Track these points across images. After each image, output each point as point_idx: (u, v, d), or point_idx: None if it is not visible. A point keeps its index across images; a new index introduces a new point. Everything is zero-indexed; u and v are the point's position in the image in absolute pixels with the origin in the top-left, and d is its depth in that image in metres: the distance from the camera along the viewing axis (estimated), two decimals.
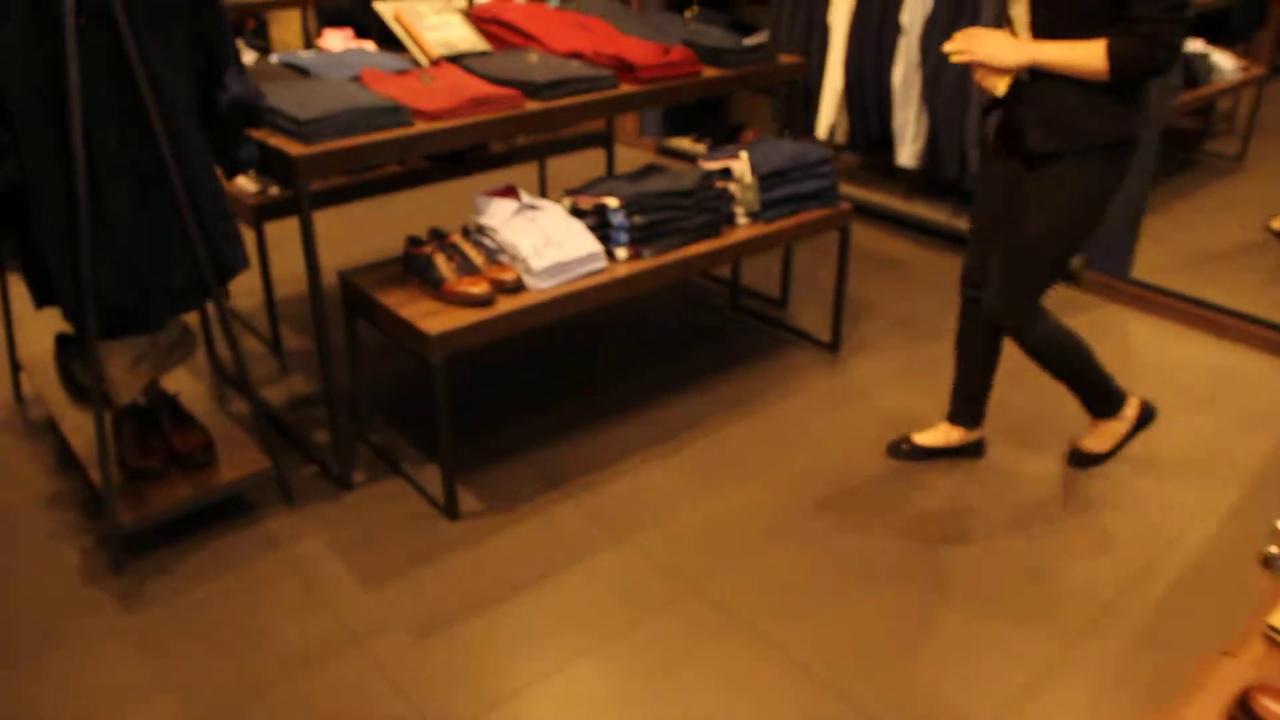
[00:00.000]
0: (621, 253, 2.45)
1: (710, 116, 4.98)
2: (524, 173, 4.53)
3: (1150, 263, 3.46)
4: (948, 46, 2.10)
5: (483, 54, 2.81)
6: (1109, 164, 2.04)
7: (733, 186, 2.68)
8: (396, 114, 2.21)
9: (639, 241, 2.47)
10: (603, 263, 2.39)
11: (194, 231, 2.01)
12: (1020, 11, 2.04)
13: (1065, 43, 1.95)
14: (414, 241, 2.35)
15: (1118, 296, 3.48)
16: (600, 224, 2.45)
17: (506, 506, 2.38)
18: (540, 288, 2.29)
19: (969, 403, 2.50)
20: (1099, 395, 2.38)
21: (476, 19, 3.04)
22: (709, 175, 2.62)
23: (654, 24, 3.14)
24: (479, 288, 2.21)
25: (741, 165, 2.67)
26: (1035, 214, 2.09)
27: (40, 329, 3.07)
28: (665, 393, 2.87)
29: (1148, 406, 2.45)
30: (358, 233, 4.00)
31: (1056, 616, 2.05)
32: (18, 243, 1.99)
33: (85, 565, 2.18)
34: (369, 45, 3.14)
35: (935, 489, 2.45)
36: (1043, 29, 2.00)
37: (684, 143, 4.95)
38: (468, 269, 2.28)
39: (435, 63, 2.70)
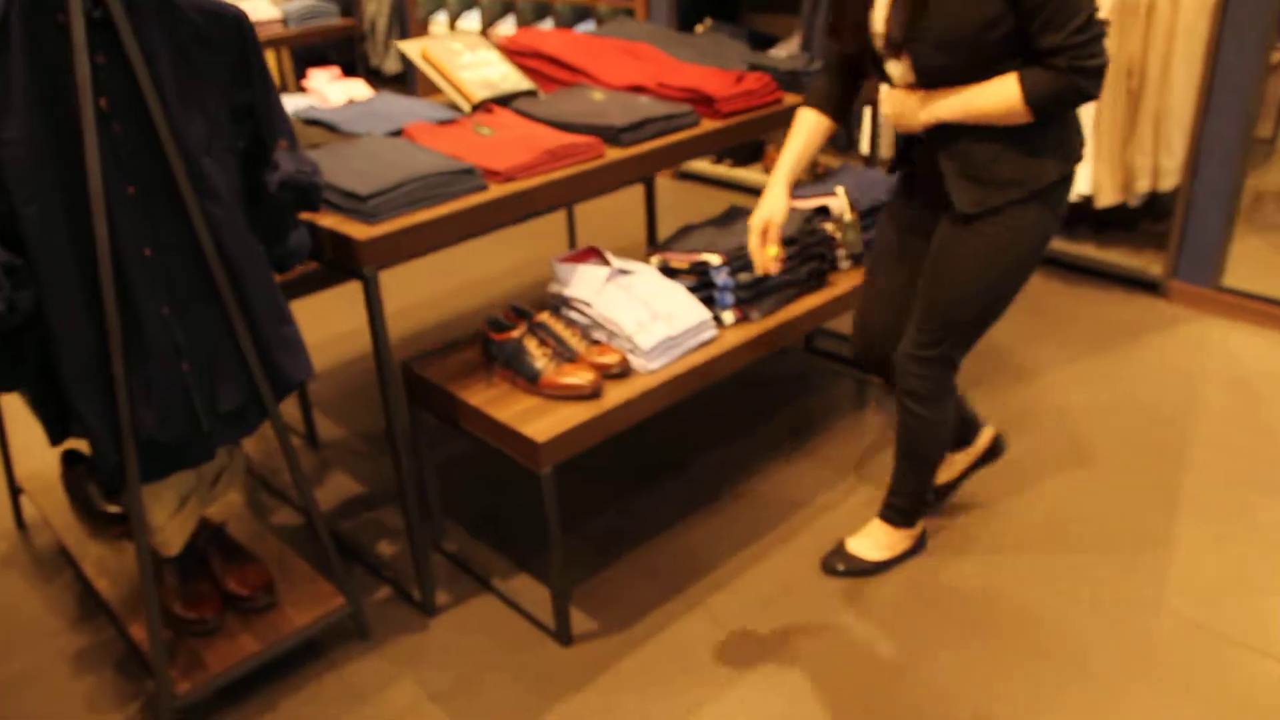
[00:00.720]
0: (728, 316, 2.13)
1: None
2: (552, 219, 4.19)
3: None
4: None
5: (530, 93, 2.47)
6: (1044, 207, 1.77)
7: (829, 226, 2.38)
8: (469, 177, 1.87)
9: (745, 302, 2.15)
10: (712, 331, 2.07)
11: (248, 347, 1.65)
12: (901, 71, 1.75)
13: (970, 90, 1.68)
14: (495, 325, 2.01)
15: (1210, 307, 3.23)
16: (701, 285, 2.13)
17: (623, 623, 2.04)
18: (649, 369, 1.96)
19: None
20: (916, 501, 2.09)
21: (512, 53, 2.70)
22: (808, 217, 2.30)
23: (702, 47, 2.82)
24: (583, 377, 1.87)
25: (840, 202, 2.36)
26: (965, 271, 1.82)
27: (39, 437, 2.67)
28: (764, 462, 2.55)
29: (924, 538, 2.19)
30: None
31: (1252, 696, 1.77)
32: (32, 371, 1.62)
33: None
34: (359, 84, 2.78)
35: (1106, 549, 2.16)
36: (938, 79, 1.71)
37: (703, 164, 4.63)
38: (564, 354, 1.94)
39: (483, 108, 2.36)
